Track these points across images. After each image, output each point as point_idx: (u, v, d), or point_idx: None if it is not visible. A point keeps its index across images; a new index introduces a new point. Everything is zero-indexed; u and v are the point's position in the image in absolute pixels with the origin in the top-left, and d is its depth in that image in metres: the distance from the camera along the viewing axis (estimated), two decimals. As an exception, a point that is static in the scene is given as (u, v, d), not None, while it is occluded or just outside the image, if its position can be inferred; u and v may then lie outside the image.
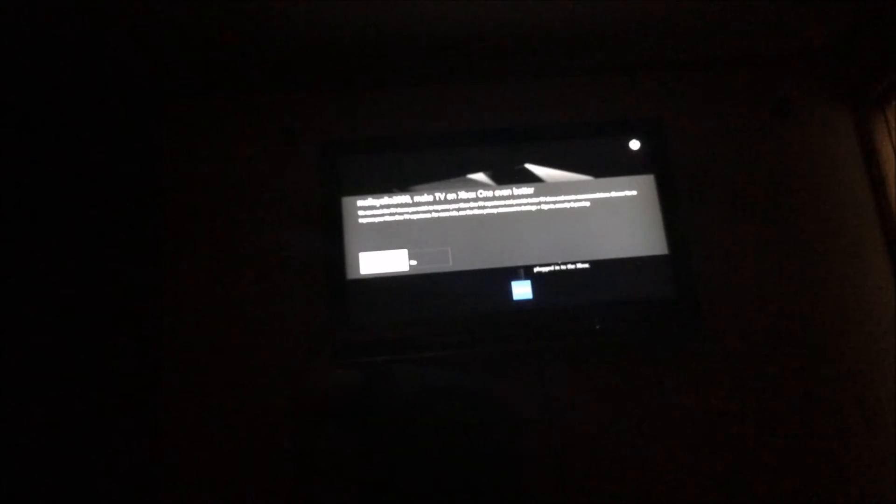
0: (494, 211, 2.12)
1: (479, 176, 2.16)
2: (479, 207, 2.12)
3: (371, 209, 2.11)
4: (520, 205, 2.13)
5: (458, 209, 2.12)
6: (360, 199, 2.12)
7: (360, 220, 2.10)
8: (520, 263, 2.07)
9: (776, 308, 2.10)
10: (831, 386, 2.04)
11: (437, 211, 2.12)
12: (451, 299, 2.03)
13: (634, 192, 2.15)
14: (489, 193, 2.14)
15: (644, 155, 2.20)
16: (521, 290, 2.04)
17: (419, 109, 2.26)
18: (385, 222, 2.10)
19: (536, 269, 2.06)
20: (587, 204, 2.14)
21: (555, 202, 2.13)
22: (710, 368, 2.05)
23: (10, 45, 1.90)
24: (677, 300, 2.04)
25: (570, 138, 2.21)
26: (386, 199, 2.12)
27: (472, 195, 2.14)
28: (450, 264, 2.06)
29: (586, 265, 2.07)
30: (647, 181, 2.16)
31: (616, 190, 2.15)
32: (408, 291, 2.04)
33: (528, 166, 2.17)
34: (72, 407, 1.93)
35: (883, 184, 2.18)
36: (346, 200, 2.12)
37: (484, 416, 1.43)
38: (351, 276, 2.05)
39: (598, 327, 1.99)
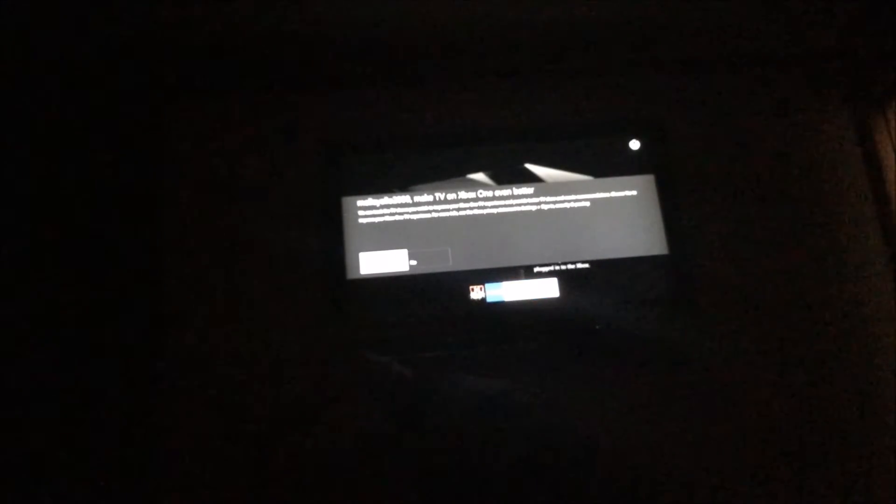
0: (494, 211, 2.13)
1: (479, 176, 2.16)
2: (479, 207, 2.13)
3: (371, 209, 2.11)
4: (520, 205, 2.13)
5: (458, 209, 2.12)
6: (360, 199, 2.12)
7: (360, 220, 2.10)
8: (520, 263, 2.07)
9: (776, 308, 2.10)
10: (831, 386, 2.04)
11: (437, 211, 2.12)
12: (451, 299, 2.03)
13: (634, 192, 2.15)
14: (489, 193, 2.14)
15: (644, 155, 2.20)
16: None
17: (419, 109, 2.26)
18: (385, 222, 2.10)
19: (536, 269, 2.06)
20: (587, 204, 2.14)
21: (555, 202, 2.13)
22: (709, 368, 2.04)
23: (11, 45, 1.90)
24: (677, 300, 2.04)
25: (570, 138, 2.22)
26: (386, 199, 2.12)
27: (472, 195, 2.14)
28: (450, 264, 2.06)
29: (586, 265, 2.07)
30: (647, 181, 2.16)
31: (616, 190, 2.15)
32: (408, 291, 2.04)
33: (528, 166, 2.17)
34: (71, 407, 1.93)
35: (883, 184, 2.18)
36: (346, 200, 2.12)
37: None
38: (351, 276, 2.05)
39: (597, 327, 2.00)
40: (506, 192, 2.14)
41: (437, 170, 2.16)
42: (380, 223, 2.10)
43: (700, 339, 2.05)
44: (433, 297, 2.03)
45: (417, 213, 2.11)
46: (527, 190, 2.15)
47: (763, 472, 1.97)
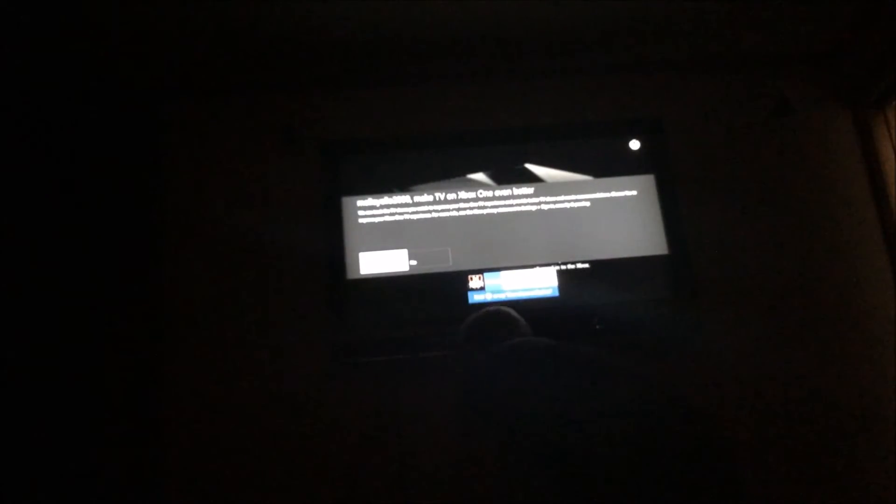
0: (494, 211, 2.12)
1: (479, 176, 2.16)
2: (479, 207, 2.13)
3: (371, 209, 2.11)
4: (520, 205, 2.13)
5: (458, 209, 2.12)
6: (360, 199, 2.12)
7: (360, 220, 2.10)
8: (520, 263, 2.07)
9: (776, 308, 2.10)
10: (831, 386, 2.04)
11: (437, 211, 2.12)
12: (450, 299, 2.03)
13: (634, 192, 2.15)
14: (489, 193, 2.14)
15: (644, 155, 2.20)
16: (521, 290, 2.05)
17: (419, 109, 2.26)
18: (385, 222, 2.10)
19: (536, 269, 2.06)
20: (587, 204, 2.14)
21: (555, 202, 2.13)
22: (709, 368, 2.04)
23: (12, 46, 1.90)
24: (677, 300, 2.04)
25: (570, 138, 2.22)
26: (386, 199, 2.12)
27: (472, 195, 2.14)
28: (450, 264, 2.06)
29: (586, 265, 2.07)
30: (647, 181, 2.16)
31: (616, 190, 2.15)
32: (408, 291, 2.04)
33: (528, 166, 2.17)
34: (71, 407, 1.93)
35: (883, 184, 2.18)
36: (346, 200, 2.12)
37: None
38: (351, 276, 2.05)
39: (598, 327, 2.00)
40: (506, 192, 2.14)
41: (437, 170, 2.16)
42: (380, 223, 2.10)
43: (700, 339, 2.05)
44: (433, 297, 2.03)
45: (417, 213, 2.11)
46: (527, 190, 2.14)
47: (762, 471, 1.97)
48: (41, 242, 2.05)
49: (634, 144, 2.21)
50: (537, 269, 2.06)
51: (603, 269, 2.07)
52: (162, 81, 2.20)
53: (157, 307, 2.06)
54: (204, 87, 2.23)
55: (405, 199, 2.12)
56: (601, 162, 2.18)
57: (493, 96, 2.28)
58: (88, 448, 1.92)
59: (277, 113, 2.23)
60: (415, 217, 2.11)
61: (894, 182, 2.15)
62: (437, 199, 2.13)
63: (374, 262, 2.06)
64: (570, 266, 2.07)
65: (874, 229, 2.19)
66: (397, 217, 2.11)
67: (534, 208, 2.13)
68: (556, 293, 2.04)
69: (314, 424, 1.97)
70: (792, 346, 2.07)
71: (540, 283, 2.05)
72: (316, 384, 2.00)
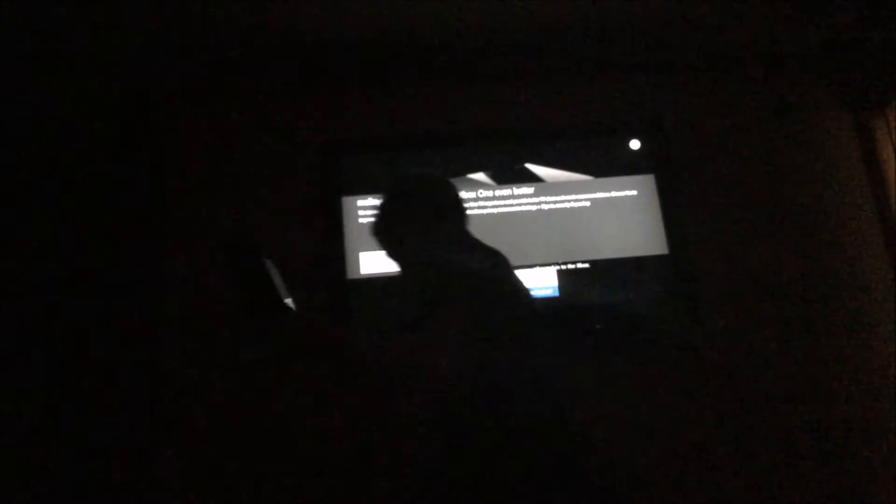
0: (494, 211, 2.12)
1: (479, 176, 2.16)
2: (479, 207, 2.13)
3: (371, 209, 2.11)
4: (520, 204, 2.13)
5: (458, 209, 2.12)
6: (361, 199, 2.12)
7: (361, 220, 2.10)
8: (520, 263, 2.06)
9: (776, 308, 2.10)
10: (831, 386, 2.04)
11: (437, 211, 2.11)
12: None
13: (634, 192, 2.15)
14: (489, 193, 2.14)
15: (644, 155, 2.20)
16: (521, 290, 2.04)
17: (419, 109, 2.26)
18: (385, 222, 2.10)
19: (537, 269, 2.06)
20: (587, 204, 2.14)
21: (555, 202, 2.13)
22: (709, 368, 2.04)
23: (13, 47, 1.90)
24: (676, 300, 2.04)
25: (571, 138, 2.22)
26: (386, 199, 2.12)
27: (472, 195, 2.14)
28: (450, 264, 2.06)
29: (586, 265, 2.07)
30: (647, 181, 2.16)
31: (616, 190, 2.15)
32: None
33: (528, 166, 2.17)
34: (71, 407, 1.93)
35: (883, 184, 2.18)
36: (346, 200, 2.12)
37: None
38: (351, 275, 2.05)
39: (598, 327, 2.00)
40: (506, 192, 2.14)
41: (437, 170, 2.15)
42: (380, 223, 2.10)
43: (700, 339, 2.05)
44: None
45: (417, 213, 2.11)
46: (527, 190, 2.14)
47: (762, 470, 1.97)
48: (42, 242, 2.05)
49: (634, 144, 2.21)
50: (537, 268, 2.06)
51: (603, 269, 2.07)
52: (162, 82, 2.20)
53: (157, 307, 2.06)
54: (204, 88, 2.23)
55: (405, 198, 2.12)
56: (601, 162, 2.18)
57: (493, 96, 2.28)
58: (88, 448, 1.92)
59: (277, 113, 2.23)
60: (415, 217, 2.11)
61: (894, 182, 2.15)
62: (437, 199, 2.12)
63: (374, 262, 2.06)
64: (570, 266, 2.07)
65: (874, 229, 2.19)
66: (397, 217, 2.10)
67: (534, 208, 2.13)
68: (556, 293, 2.04)
69: (314, 424, 1.97)
70: (792, 345, 2.07)
71: (540, 282, 2.05)
72: (316, 384, 2.00)
